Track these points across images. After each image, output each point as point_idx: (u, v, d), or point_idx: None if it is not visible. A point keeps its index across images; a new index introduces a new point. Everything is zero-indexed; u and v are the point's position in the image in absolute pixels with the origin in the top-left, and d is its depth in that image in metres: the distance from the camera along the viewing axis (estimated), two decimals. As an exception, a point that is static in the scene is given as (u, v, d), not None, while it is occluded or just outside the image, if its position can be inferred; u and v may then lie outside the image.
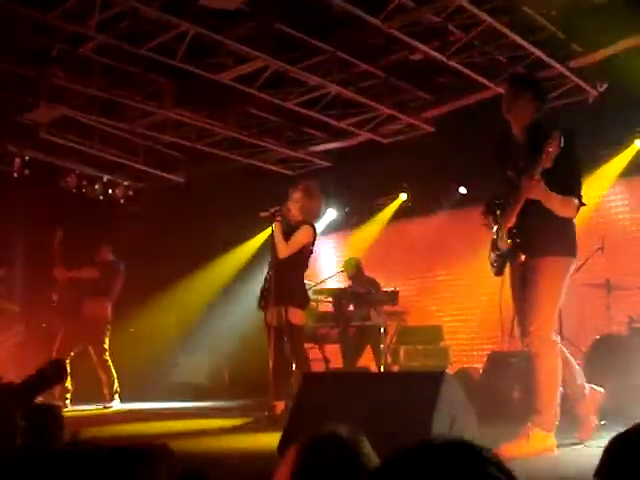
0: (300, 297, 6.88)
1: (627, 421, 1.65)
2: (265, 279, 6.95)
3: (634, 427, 1.51)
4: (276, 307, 6.70)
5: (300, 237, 6.82)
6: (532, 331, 4.58)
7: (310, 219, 6.92)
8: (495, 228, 4.79)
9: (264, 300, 6.86)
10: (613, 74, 8.17)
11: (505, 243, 4.69)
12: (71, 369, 9.19)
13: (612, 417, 5.14)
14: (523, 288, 4.72)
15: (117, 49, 8.08)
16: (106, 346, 9.32)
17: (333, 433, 1.70)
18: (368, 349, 9.59)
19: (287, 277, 6.76)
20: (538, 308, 4.60)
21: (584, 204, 4.69)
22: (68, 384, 9.20)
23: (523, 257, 4.69)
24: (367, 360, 9.67)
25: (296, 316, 6.75)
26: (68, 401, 9.19)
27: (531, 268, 4.65)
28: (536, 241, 4.61)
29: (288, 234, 6.79)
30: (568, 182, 4.57)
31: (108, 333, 9.38)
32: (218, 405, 9.58)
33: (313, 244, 6.95)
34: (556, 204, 4.50)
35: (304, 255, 6.92)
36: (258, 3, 7.17)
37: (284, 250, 6.73)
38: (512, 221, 4.61)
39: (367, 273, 9.90)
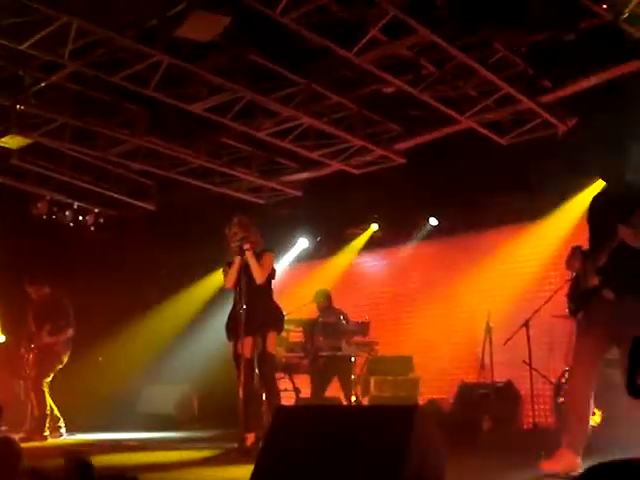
0: (278, 322, 6.95)
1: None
2: (232, 310, 6.94)
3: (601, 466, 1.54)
4: (251, 336, 6.70)
5: (267, 261, 6.92)
6: None
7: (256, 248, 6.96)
8: (577, 271, 5.20)
9: (233, 331, 6.85)
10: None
11: (592, 281, 5.02)
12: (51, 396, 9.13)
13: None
14: (603, 323, 5.00)
15: (90, 77, 8.08)
16: (48, 380, 9.19)
17: None
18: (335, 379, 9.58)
19: (263, 304, 6.81)
20: None
21: None
22: (56, 412, 9.09)
23: (609, 295, 4.97)
24: (337, 390, 9.64)
25: (273, 343, 6.81)
26: (63, 429, 9.07)
27: (625, 306, 4.93)
28: (626, 281, 4.93)
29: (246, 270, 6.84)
30: None
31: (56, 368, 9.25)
32: (187, 436, 9.49)
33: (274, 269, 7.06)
34: None
35: (270, 281, 7.00)
36: (233, 35, 7.22)
37: (262, 275, 6.78)
38: (602, 261, 4.94)
39: (336, 305, 9.92)
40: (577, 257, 5.36)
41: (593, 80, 7.68)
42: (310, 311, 9.89)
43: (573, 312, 5.41)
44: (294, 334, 9.91)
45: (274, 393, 6.82)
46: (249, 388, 6.71)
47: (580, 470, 4.96)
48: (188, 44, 7.23)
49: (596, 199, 5.44)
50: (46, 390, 9.06)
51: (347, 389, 9.41)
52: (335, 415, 3.54)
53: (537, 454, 5.52)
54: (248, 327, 6.67)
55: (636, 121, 7.11)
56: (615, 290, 4.97)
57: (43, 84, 8.35)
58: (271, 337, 6.80)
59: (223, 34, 7.02)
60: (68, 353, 9.19)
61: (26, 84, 8.32)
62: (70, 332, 9.16)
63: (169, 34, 7.02)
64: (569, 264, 5.44)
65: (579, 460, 5.00)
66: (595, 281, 5.04)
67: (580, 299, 5.24)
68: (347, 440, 3.15)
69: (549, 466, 4.97)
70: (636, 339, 1.76)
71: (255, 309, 6.71)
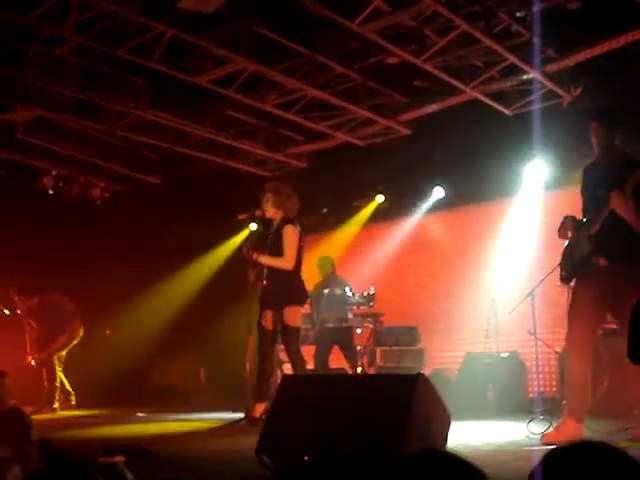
0: (297, 294, 6.92)
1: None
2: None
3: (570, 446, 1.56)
4: (272, 310, 6.75)
5: (290, 239, 6.83)
6: None
7: (287, 214, 6.95)
8: (570, 240, 5.25)
9: (262, 303, 6.91)
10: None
11: (584, 249, 5.10)
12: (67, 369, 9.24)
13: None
14: (597, 290, 5.06)
15: (94, 51, 8.05)
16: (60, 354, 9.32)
17: None
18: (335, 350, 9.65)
19: (281, 279, 6.81)
20: None
21: None
22: (67, 387, 9.19)
23: (603, 262, 5.04)
24: (342, 361, 9.71)
25: (293, 317, 6.76)
26: (73, 403, 9.19)
27: (619, 273, 4.99)
28: (618, 248, 5.01)
29: (271, 238, 6.86)
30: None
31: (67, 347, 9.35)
32: (194, 407, 9.57)
33: (301, 239, 6.98)
34: (632, 218, 4.92)
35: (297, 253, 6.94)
36: (236, 6, 7.18)
37: (287, 262, 6.78)
38: (595, 229, 5.03)
39: (340, 274, 9.97)
40: (569, 225, 5.40)
41: (598, 49, 7.63)
42: (314, 279, 9.91)
43: (565, 279, 5.46)
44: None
45: (299, 365, 6.80)
46: (265, 360, 6.78)
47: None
48: (191, 16, 7.19)
49: (589, 169, 5.47)
50: (57, 364, 9.15)
51: (353, 360, 9.48)
52: (339, 383, 3.59)
53: (534, 419, 5.63)
54: (267, 301, 6.77)
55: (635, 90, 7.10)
56: (607, 257, 5.02)
57: (47, 58, 8.34)
58: (289, 311, 6.75)
59: (226, 6, 6.98)
60: (78, 337, 9.34)
61: (30, 57, 8.30)
62: (65, 336, 9.25)
63: (172, 6, 6.99)
64: (561, 232, 5.46)
65: (582, 428, 5.05)
66: (587, 248, 5.10)
67: (573, 266, 5.29)
68: (351, 407, 3.19)
69: (552, 437, 5.00)
70: (637, 307, 1.76)
71: (274, 283, 6.78)
